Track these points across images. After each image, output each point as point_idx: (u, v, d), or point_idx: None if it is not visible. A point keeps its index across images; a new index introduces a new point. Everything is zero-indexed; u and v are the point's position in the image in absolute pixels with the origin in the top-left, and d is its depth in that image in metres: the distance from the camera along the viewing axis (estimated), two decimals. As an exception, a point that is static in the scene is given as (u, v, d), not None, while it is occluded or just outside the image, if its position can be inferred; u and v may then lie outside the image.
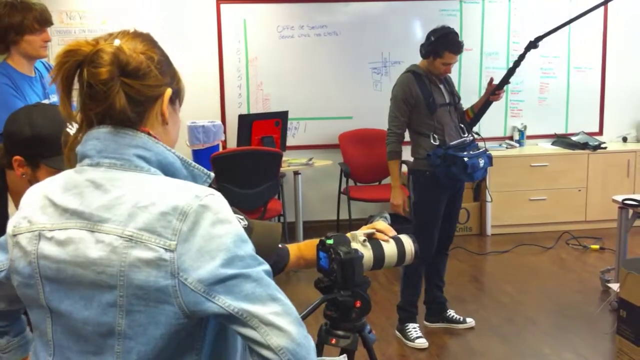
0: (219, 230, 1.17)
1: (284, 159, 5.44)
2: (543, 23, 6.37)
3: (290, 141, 6.09)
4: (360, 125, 6.32)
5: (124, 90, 1.21)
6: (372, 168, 6.22)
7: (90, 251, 1.18)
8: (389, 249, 1.78)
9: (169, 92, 1.28)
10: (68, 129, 1.80)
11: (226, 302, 1.15)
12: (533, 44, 3.87)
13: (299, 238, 5.89)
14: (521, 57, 3.91)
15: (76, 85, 1.24)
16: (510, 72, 3.97)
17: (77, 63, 1.21)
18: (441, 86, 3.92)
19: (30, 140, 1.81)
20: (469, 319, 4.15)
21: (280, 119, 5.78)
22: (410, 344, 3.89)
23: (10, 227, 1.31)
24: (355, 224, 5.85)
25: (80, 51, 1.21)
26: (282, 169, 5.43)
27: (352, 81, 6.33)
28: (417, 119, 3.84)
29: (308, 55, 6.26)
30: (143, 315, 1.16)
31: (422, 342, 3.89)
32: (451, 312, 4.15)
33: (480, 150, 3.90)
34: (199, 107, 6.06)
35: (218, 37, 6.13)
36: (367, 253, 1.75)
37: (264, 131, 5.62)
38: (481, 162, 3.82)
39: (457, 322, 4.12)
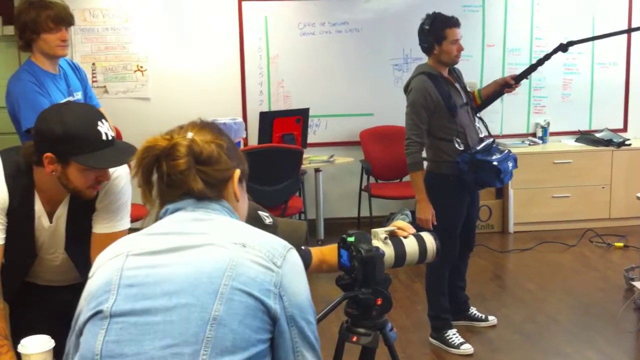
0: (303, 276, 1.36)
1: (304, 156, 5.44)
2: (567, 19, 6.34)
3: (311, 138, 6.09)
4: (381, 122, 6.30)
5: (199, 176, 1.35)
6: (393, 165, 6.19)
7: (194, 251, 1.29)
8: (410, 246, 1.78)
9: (237, 172, 1.42)
10: (99, 127, 1.82)
11: (295, 337, 1.30)
12: (564, 48, 3.78)
13: (320, 235, 5.90)
14: (547, 57, 3.82)
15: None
16: (532, 68, 3.89)
17: (155, 157, 1.35)
18: (457, 85, 3.80)
19: (61, 137, 1.83)
20: (490, 317, 4.11)
21: (301, 116, 5.79)
22: (454, 351, 3.73)
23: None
24: (376, 221, 5.87)
25: (158, 146, 1.35)
26: (303, 166, 5.44)
27: (373, 78, 6.31)
28: (438, 124, 3.66)
29: (329, 52, 6.25)
30: (243, 306, 1.24)
31: (468, 348, 3.72)
32: (473, 310, 4.12)
33: (505, 152, 3.76)
34: (221, 104, 6.08)
35: (239, 34, 6.14)
36: (389, 250, 1.75)
37: (284, 128, 5.63)
38: (510, 165, 3.69)
39: (479, 319, 4.08)
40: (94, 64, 5.97)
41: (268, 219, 1.61)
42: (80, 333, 1.33)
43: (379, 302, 1.70)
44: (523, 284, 4.87)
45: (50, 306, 2.24)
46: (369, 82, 6.31)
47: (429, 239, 1.80)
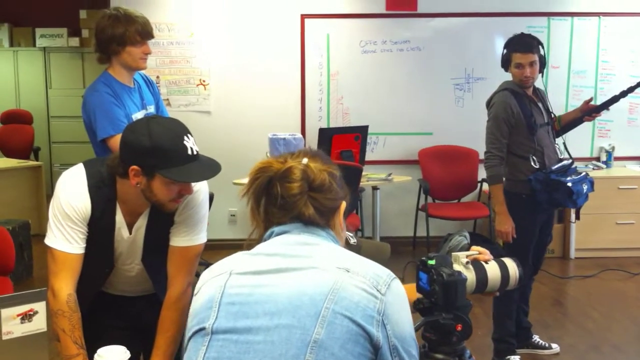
0: (407, 307, 1.34)
1: (362, 173, 5.42)
2: (635, 42, 6.19)
3: (369, 156, 6.06)
4: (440, 142, 6.25)
5: (310, 202, 1.36)
6: (452, 185, 6.13)
7: (297, 273, 1.29)
8: (493, 272, 1.73)
9: (344, 204, 1.47)
10: (185, 142, 1.83)
11: None
12: None
13: (376, 253, 5.84)
14: (630, 89, 3.80)
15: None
16: (615, 99, 3.86)
17: (269, 178, 1.37)
18: (540, 104, 3.77)
19: (149, 150, 1.84)
20: (554, 345, 4.00)
21: (360, 133, 5.75)
22: None
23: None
24: (433, 242, 5.79)
25: (272, 168, 1.38)
26: (361, 184, 5.41)
27: (433, 97, 6.26)
28: (516, 140, 3.66)
29: (389, 70, 6.24)
30: (344, 330, 1.22)
31: None
32: (536, 338, 4.01)
33: (582, 174, 3.71)
34: (280, 119, 6.12)
35: (301, 51, 6.18)
36: (470, 275, 1.71)
37: (343, 145, 5.60)
38: (585, 188, 3.64)
39: (543, 347, 3.97)
40: (158, 77, 6.08)
41: (352, 239, 1.59)
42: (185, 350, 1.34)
43: (459, 328, 1.65)
44: (586, 311, 4.73)
45: (123, 316, 2.26)
46: (429, 101, 6.26)
47: (511, 265, 1.75)
